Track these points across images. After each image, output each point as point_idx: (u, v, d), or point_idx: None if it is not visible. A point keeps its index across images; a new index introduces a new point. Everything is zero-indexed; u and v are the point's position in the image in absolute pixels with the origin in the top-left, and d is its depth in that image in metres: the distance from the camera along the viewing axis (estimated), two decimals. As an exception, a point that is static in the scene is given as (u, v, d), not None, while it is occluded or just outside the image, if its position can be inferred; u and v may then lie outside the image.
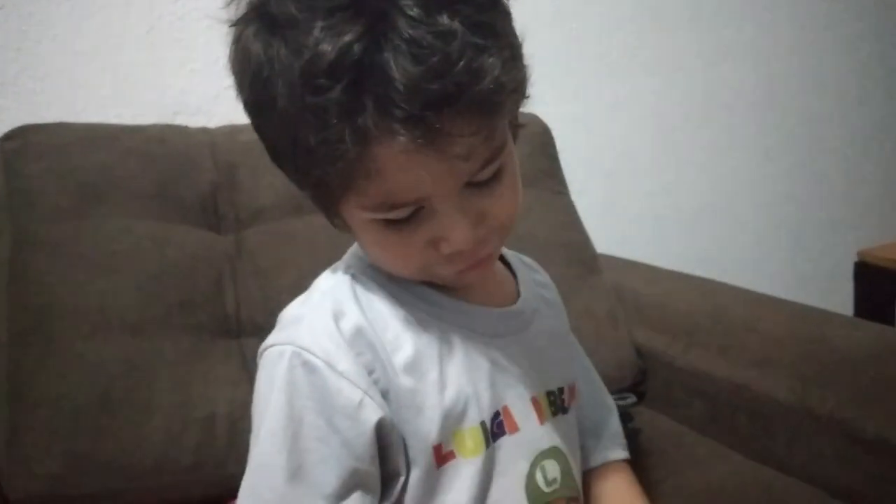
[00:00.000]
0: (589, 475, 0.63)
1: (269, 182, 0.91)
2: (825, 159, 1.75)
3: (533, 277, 0.63)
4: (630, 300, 1.04)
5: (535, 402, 0.55)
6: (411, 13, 0.41)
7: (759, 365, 0.87)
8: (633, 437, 0.84)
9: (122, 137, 0.89)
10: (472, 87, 0.42)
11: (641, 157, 1.50)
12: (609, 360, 0.95)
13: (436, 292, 0.53)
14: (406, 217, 0.47)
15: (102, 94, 1.00)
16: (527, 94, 0.51)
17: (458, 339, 0.52)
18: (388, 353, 0.50)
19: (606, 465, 0.64)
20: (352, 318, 0.50)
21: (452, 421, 0.50)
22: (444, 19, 0.42)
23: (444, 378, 0.51)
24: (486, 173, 0.48)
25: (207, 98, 1.05)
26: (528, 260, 0.66)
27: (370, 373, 0.49)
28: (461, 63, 0.42)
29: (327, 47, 0.41)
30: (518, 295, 0.59)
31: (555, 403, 0.57)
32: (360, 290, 0.52)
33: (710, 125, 1.57)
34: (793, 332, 0.89)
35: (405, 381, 0.49)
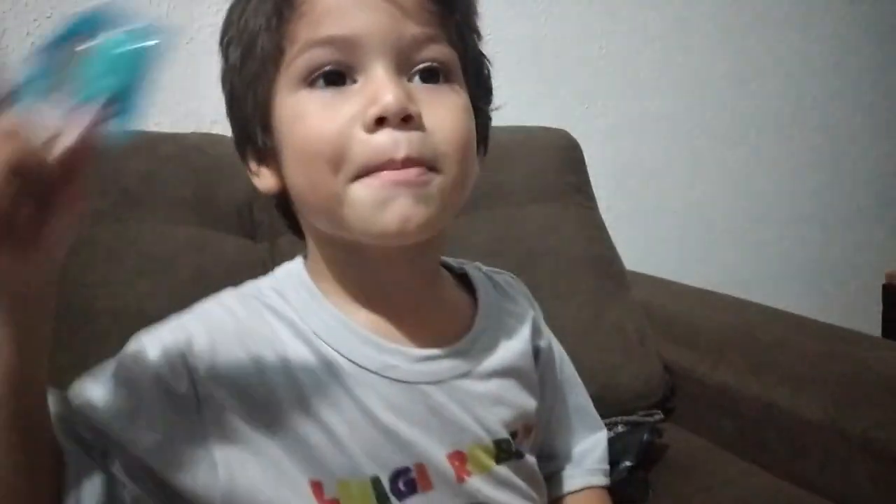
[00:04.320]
0: (563, 500, 0.61)
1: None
2: (853, 179, 1.74)
3: (502, 305, 0.57)
4: (658, 317, 1.04)
5: (456, 456, 0.49)
6: None
7: (789, 384, 0.86)
8: (650, 449, 0.83)
9: (161, 145, 0.91)
10: None
11: (669, 175, 1.50)
12: (637, 377, 0.95)
13: (356, 326, 0.48)
14: (338, 72, 0.44)
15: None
16: (475, 34, 0.51)
17: (359, 384, 0.47)
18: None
19: (584, 491, 0.61)
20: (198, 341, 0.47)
21: (329, 466, 0.46)
22: None
23: (318, 420, 0.46)
24: (430, 54, 0.46)
25: (244, 108, 1.07)
26: (506, 281, 0.60)
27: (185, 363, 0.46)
28: None
29: None
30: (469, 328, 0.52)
31: (502, 450, 0.51)
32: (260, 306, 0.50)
33: (738, 143, 1.57)
34: (824, 351, 0.88)
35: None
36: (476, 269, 0.58)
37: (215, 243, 0.86)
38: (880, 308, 1.60)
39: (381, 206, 0.43)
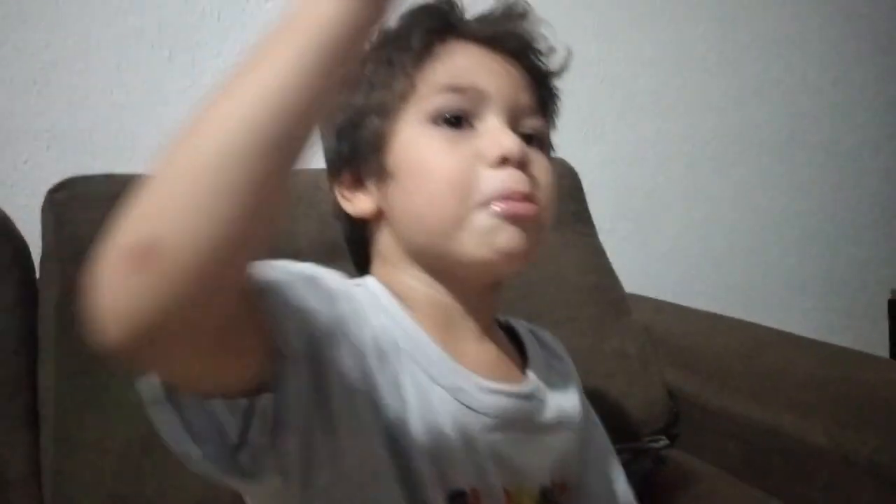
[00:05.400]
0: None
1: (306, 228, 0.93)
2: (856, 196, 1.74)
3: (549, 362, 0.60)
4: (661, 341, 1.04)
5: (505, 495, 0.50)
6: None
7: (793, 408, 0.86)
8: (653, 477, 0.83)
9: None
10: (532, 42, 0.56)
11: (670, 197, 1.51)
12: (641, 402, 0.95)
13: (436, 349, 0.50)
14: (460, 116, 0.51)
15: (147, 145, 1.04)
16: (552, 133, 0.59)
17: (434, 396, 0.49)
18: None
19: None
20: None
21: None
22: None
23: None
24: (532, 124, 0.54)
25: (246, 147, 1.09)
26: (550, 338, 0.63)
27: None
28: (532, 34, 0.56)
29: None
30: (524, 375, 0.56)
31: (546, 500, 0.53)
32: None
33: (738, 164, 1.58)
34: (828, 374, 0.88)
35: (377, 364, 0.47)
36: (520, 324, 0.62)
37: (219, 282, 0.88)
38: (887, 323, 1.59)
39: (496, 232, 0.50)
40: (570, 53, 0.58)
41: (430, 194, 0.51)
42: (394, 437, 0.46)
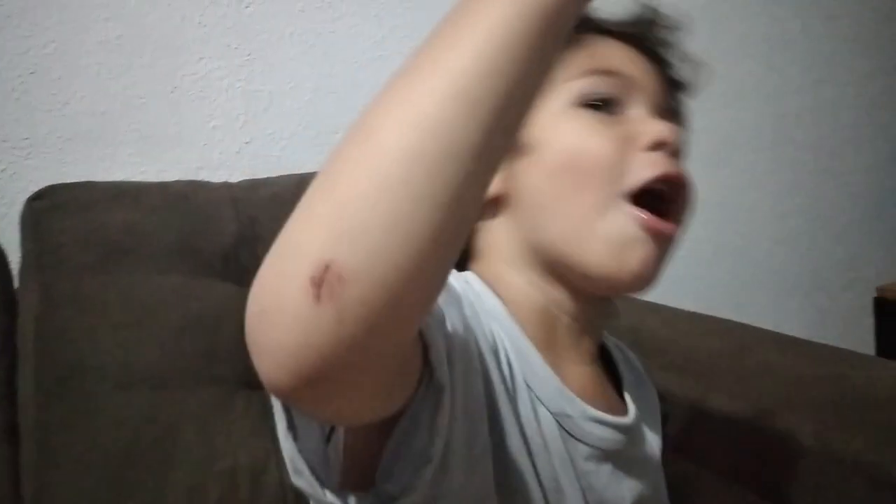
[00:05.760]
0: None
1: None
2: (840, 195, 1.75)
3: (639, 392, 0.56)
4: (649, 343, 1.04)
5: None
6: None
7: (780, 408, 0.86)
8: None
9: (146, 194, 0.91)
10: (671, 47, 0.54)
11: (656, 199, 1.51)
12: (629, 405, 0.95)
13: (542, 364, 0.46)
14: (608, 101, 0.49)
15: (128, 153, 1.03)
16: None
17: (546, 423, 0.45)
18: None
19: None
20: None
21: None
22: None
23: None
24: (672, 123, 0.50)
25: (229, 154, 1.08)
26: (629, 354, 0.60)
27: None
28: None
29: None
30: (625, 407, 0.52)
31: None
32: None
33: (724, 165, 1.58)
34: (814, 373, 0.88)
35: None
36: (613, 344, 0.58)
37: (202, 291, 0.87)
38: (873, 321, 1.60)
39: (632, 245, 0.46)
40: (709, 69, 0.56)
41: (575, 176, 0.46)
42: (503, 461, 0.42)
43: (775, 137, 1.65)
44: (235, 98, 1.09)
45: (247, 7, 1.10)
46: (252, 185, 0.97)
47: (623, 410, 0.52)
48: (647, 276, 0.47)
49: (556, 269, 0.49)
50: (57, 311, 0.82)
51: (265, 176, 0.97)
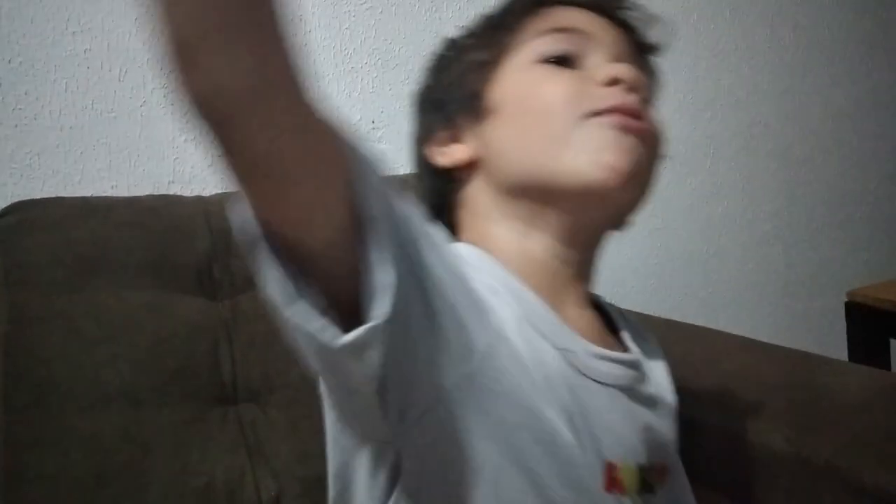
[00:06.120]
0: None
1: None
2: (809, 201, 1.78)
3: (638, 342, 0.58)
4: (623, 351, 1.05)
5: (609, 467, 0.48)
6: None
7: (752, 414, 0.87)
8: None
9: (116, 209, 0.90)
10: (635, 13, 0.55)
11: (629, 207, 1.52)
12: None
13: (545, 307, 0.48)
14: (566, 57, 0.50)
15: (98, 167, 1.02)
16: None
17: (553, 360, 0.46)
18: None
19: None
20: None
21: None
22: None
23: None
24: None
25: (201, 167, 1.07)
26: (630, 315, 0.62)
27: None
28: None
29: None
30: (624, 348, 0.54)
31: (643, 481, 0.51)
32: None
33: (694, 173, 1.60)
34: (785, 379, 0.90)
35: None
36: (609, 304, 0.61)
37: (174, 306, 0.86)
38: (845, 325, 1.62)
39: (606, 143, 0.47)
40: (671, 29, 0.57)
41: (538, 112, 0.49)
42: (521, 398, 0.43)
43: (745, 145, 1.68)
44: (207, 111, 1.08)
45: (218, 20, 1.09)
46: (225, 199, 0.96)
47: (624, 351, 0.54)
48: (626, 173, 0.47)
49: (535, 204, 0.50)
50: (26, 329, 0.80)
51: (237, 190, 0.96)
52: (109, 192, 0.99)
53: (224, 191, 0.98)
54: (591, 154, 0.47)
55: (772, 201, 1.72)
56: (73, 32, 1.00)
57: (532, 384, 0.44)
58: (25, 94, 0.98)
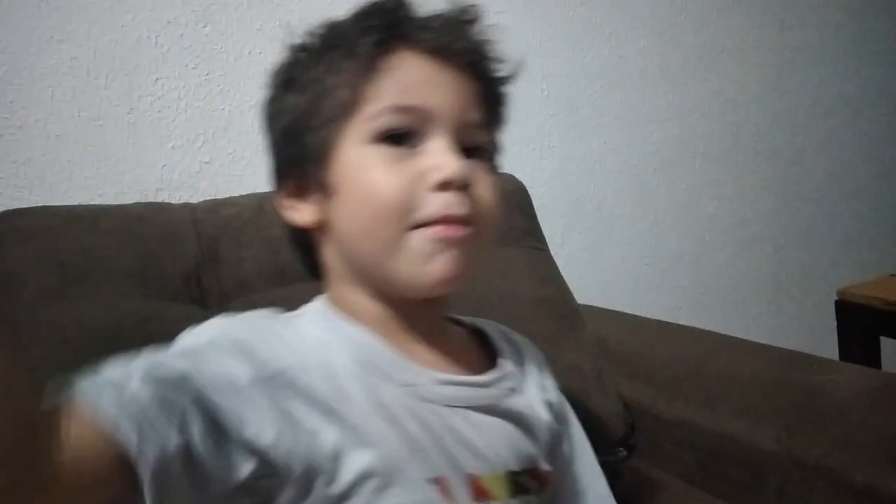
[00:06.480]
0: None
1: (253, 253, 0.92)
2: (799, 200, 1.79)
3: (516, 360, 0.60)
4: (614, 352, 1.05)
5: (472, 480, 0.51)
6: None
7: (743, 414, 0.87)
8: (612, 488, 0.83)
9: (104, 217, 0.90)
10: (483, 51, 0.55)
11: (618, 208, 1.53)
12: (598, 416, 0.95)
13: (387, 352, 0.53)
14: (406, 133, 0.51)
15: (85, 175, 1.01)
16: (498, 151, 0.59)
17: (391, 397, 0.50)
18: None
19: None
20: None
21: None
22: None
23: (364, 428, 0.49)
24: (480, 138, 0.54)
25: (189, 174, 1.07)
26: (514, 336, 0.65)
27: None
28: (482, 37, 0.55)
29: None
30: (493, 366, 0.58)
31: (516, 484, 0.54)
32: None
33: (683, 174, 1.61)
34: (776, 378, 0.90)
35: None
36: (489, 325, 0.64)
37: (163, 313, 0.85)
38: (835, 324, 1.63)
39: (431, 257, 0.51)
40: (519, 61, 0.57)
41: (371, 215, 0.51)
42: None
43: (734, 145, 1.68)
44: (194, 118, 1.08)
45: (204, 27, 1.09)
46: (213, 206, 0.96)
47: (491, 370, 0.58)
48: (450, 280, 0.52)
49: (376, 284, 0.54)
50: (13, 339, 0.80)
51: (226, 196, 0.96)
52: (97, 201, 0.99)
53: (212, 197, 0.97)
54: (416, 267, 0.51)
55: (761, 201, 1.73)
56: (59, 41, 1.00)
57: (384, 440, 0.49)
58: (11, 102, 0.98)
